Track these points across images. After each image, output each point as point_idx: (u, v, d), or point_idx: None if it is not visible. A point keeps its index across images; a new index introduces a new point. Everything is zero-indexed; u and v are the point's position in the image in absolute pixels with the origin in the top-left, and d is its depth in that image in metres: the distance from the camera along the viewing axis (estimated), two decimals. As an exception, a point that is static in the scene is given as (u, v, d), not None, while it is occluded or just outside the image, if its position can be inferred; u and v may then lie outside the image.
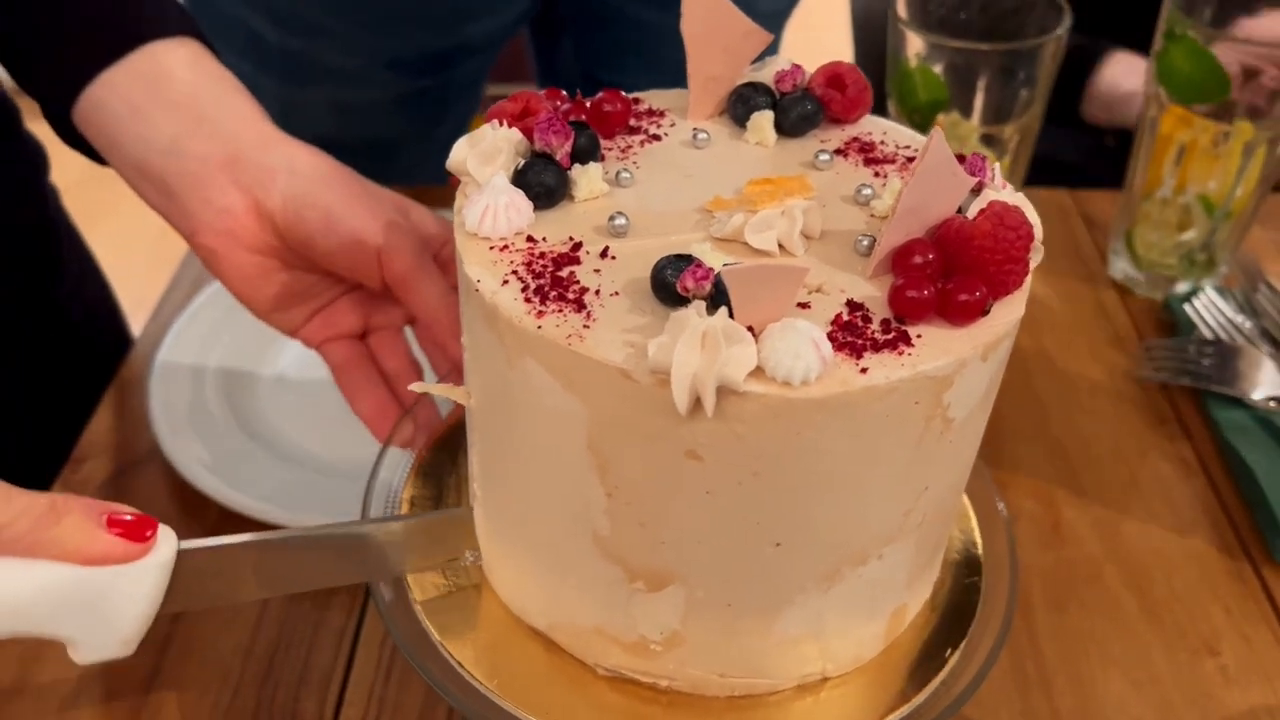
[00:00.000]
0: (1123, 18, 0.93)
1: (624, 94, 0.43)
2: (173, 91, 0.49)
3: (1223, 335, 0.71)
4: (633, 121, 0.44)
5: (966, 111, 0.68)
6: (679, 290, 0.33)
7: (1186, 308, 0.73)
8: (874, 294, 0.35)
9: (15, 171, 0.67)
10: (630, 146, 0.42)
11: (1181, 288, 0.76)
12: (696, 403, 0.32)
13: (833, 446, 0.33)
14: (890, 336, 0.34)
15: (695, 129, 0.43)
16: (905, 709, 0.41)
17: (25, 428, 0.68)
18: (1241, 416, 0.65)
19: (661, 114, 0.45)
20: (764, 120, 0.43)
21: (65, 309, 0.71)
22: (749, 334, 0.32)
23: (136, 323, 0.76)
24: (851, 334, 0.34)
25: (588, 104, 0.43)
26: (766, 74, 0.44)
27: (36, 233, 0.69)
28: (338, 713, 0.51)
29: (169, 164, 0.48)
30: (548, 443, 0.36)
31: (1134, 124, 0.75)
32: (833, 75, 0.44)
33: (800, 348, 0.32)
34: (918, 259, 0.35)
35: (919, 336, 0.34)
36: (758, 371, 0.32)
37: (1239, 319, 0.71)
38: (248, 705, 0.52)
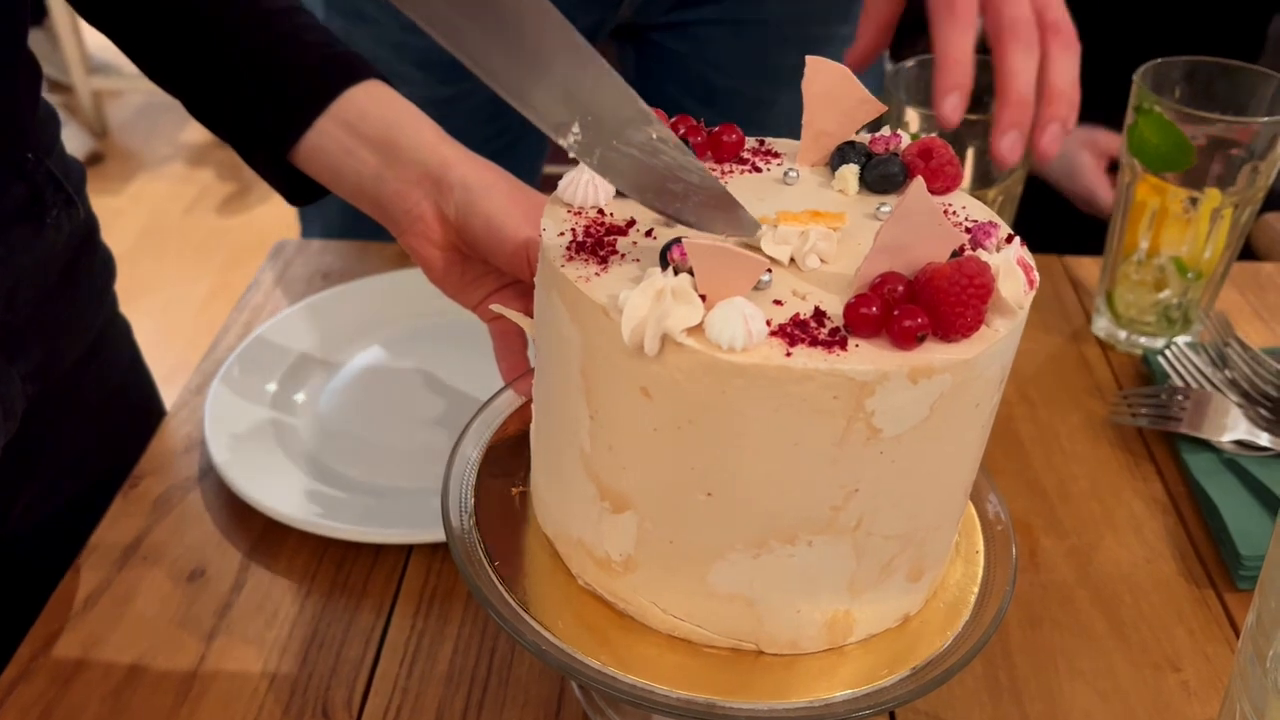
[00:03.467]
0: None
1: (741, 130, 0.51)
2: (370, 129, 0.62)
3: (1193, 385, 0.76)
4: (744, 154, 0.52)
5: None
6: (668, 260, 0.41)
7: (1160, 359, 0.79)
8: (841, 310, 0.41)
9: (94, 281, 0.76)
10: (730, 172, 0.51)
11: (1159, 343, 0.81)
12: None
13: (756, 413, 0.40)
14: (830, 339, 0.40)
15: (790, 169, 0.50)
16: (815, 700, 0.45)
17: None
18: (1210, 459, 0.71)
19: (777, 155, 0.52)
20: (849, 172, 0.49)
21: (109, 402, 0.79)
22: (700, 300, 0.39)
23: (173, 386, 0.83)
24: (799, 329, 0.40)
25: (707, 132, 0.51)
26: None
27: (101, 335, 0.77)
28: (364, 701, 0.58)
29: (377, 187, 0.63)
30: (559, 366, 0.45)
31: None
32: (925, 148, 0.50)
33: (732, 318, 0.39)
34: (888, 287, 0.41)
35: (856, 346, 0.40)
36: (699, 332, 0.39)
37: (1209, 370, 0.76)
38: (283, 692, 0.58)
